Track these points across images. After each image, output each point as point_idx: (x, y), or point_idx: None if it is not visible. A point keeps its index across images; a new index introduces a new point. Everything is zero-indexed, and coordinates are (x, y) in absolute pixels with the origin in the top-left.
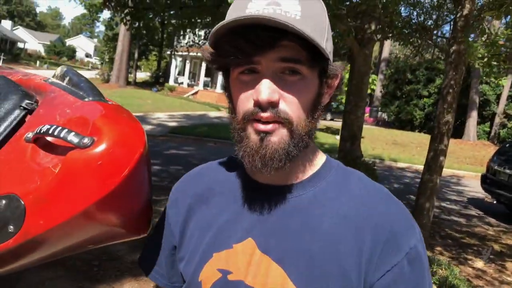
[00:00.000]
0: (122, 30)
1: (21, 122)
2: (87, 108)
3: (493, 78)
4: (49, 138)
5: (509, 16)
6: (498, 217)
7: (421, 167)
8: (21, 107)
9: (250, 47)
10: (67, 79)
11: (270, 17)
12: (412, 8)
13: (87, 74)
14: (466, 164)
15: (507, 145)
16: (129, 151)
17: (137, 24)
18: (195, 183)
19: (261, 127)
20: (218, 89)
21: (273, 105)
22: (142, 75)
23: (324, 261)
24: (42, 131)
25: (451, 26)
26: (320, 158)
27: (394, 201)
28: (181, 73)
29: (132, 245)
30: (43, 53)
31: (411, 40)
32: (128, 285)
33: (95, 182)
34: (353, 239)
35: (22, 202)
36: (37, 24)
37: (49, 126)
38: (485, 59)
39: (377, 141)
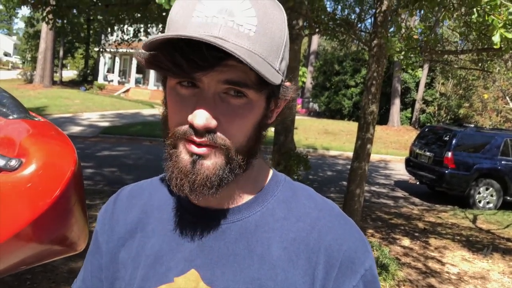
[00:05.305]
0: (45, 27)
1: None
2: (12, 127)
3: (410, 70)
4: None
5: (422, 11)
6: (421, 197)
7: (351, 154)
8: None
9: (190, 66)
10: None
11: (216, 43)
12: (336, 2)
13: (8, 74)
14: (392, 149)
15: (426, 129)
16: (60, 170)
17: (60, 22)
18: (126, 208)
19: (195, 149)
20: (151, 85)
21: (209, 131)
22: (69, 74)
23: None
24: None
25: (372, 21)
26: (266, 174)
27: (346, 220)
28: (110, 70)
29: None
30: None
31: (336, 34)
32: None
33: (26, 205)
34: (305, 264)
35: None
36: None
37: None
38: (403, 52)
39: (309, 131)
